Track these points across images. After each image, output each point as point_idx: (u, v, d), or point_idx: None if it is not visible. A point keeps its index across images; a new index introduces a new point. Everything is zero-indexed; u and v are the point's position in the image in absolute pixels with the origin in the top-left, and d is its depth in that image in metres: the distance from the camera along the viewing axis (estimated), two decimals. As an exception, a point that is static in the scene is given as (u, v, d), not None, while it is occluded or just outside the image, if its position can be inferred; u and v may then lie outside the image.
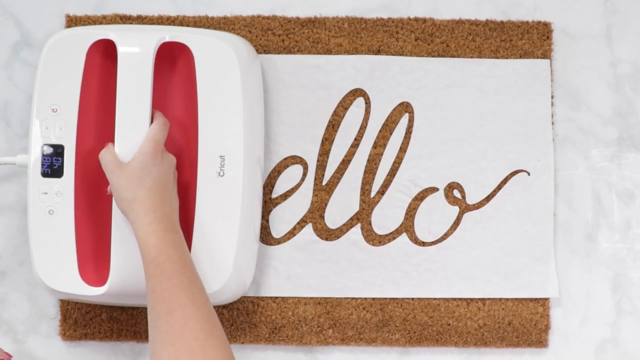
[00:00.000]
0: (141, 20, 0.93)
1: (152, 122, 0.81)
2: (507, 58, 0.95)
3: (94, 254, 0.85)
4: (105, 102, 0.86)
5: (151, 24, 0.93)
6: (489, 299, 0.93)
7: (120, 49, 0.82)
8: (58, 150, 0.84)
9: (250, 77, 0.87)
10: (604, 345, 0.95)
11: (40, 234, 0.84)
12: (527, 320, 0.93)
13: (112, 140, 0.81)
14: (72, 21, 0.93)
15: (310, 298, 0.93)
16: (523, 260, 0.94)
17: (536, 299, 0.94)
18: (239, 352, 0.93)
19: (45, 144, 0.84)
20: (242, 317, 0.92)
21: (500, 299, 0.93)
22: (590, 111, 0.96)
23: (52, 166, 0.84)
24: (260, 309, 0.92)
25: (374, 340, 0.93)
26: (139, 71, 0.82)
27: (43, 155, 0.84)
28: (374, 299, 0.93)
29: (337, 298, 0.93)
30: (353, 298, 0.93)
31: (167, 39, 0.84)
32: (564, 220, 0.95)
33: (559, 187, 0.96)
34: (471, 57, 0.95)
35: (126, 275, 0.82)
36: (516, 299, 0.93)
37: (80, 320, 0.92)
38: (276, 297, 0.93)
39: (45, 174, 0.84)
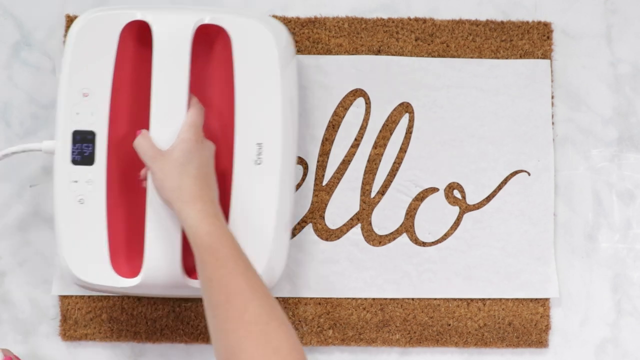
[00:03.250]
0: (141, 20, 0.93)
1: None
2: (507, 58, 0.95)
3: (125, 244, 0.83)
4: (139, 86, 0.82)
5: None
6: (489, 299, 0.93)
7: (156, 32, 0.79)
8: (89, 137, 0.80)
9: (288, 63, 0.84)
10: (604, 345, 0.95)
11: (70, 224, 0.81)
12: (527, 321, 0.93)
13: (146, 127, 0.78)
14: (72, 21, 0.93)
15: (310, 298, 0.93)
16: (523, 260, 0.94)
17: (536, 299, 0.94)
18: (239, 352, 0.93)
19: (75, 130, 0.81)
20: (242, 317, 0.92)
21: (500, 299, 0.93)
22: (590, 111, 0.96)
23: (82, 153, 0.80)
24: (260, 309, 0.92)
25: (374, 340, 0.92)
26: (176, 55, 0.78)
27: (73, 142, 0.80)
28: (374, 299, 0.93)
29: (337, 298, 0.93)
30: (353, 298, 0.93)
31: (206, 21, 0.81)
32: (564, 220, 0.95)
33: (559, 187, 0.95)
34: (471, 57, 0.95)
35: (160, 265, 0.79)
36: (516, 299, 0.93)
37: (80, 320, 0.91)
38: (276, 297, 0.92)
39: (75, 161, 0.81)
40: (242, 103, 0.82)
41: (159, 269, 0.80)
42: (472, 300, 0.93)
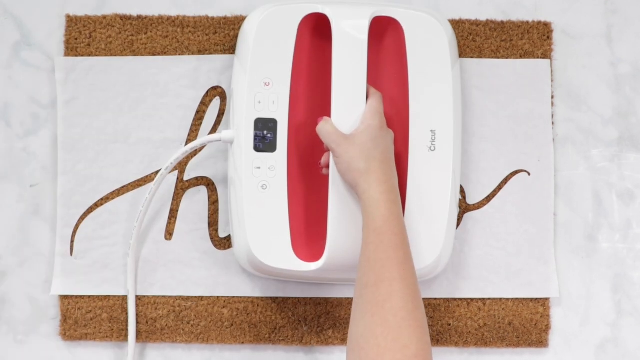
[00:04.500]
0: (142, 20, 0.93)
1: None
2: (507, 58, 0.95)
3: (306, 229, 0.86)
4: (316, 75, 0.87)
5: (151, 24, 0.93)
6: (489, 299, 0.93)
7: (335, 23, 0.82)
8: (270, 124, 0.84)
9: (456, 53, 0.88)
10: (605, 345, 0.95)
11: (253, 209, 0.84)
12: (527, 320, 0.93)
13: (324, 114, 0.81)
14: (72, 21, 0.93)
15: (310, 298, 0.93)
16: (523, 260, 0.94)
17: (536, 299, 0.94)
18: (239, 352, 0.93)
19: (257, 118, 0.84)
20: (242, 317, 0.92)
21: (500, 299, 0.93)
22: (591, 111, 0.96)
23: (263, 140, 0.84)
24: (260, 309, 0.92)
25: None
26: (354, 45, 0.81)
27: (256, 130, 0.84)
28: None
29: (337, 298, 0.93)
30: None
31: (381, 14, 0.84)
32: (564, 220, 0.95)
33: (559, 187, 0.95)
34: (471, 57, 0.95)
35: (343, 249, 0.81)
36: (516, 299, 0.93)
37: (80, 320, 0.91)
38: (276, 297, 0.92)
39: (257, 149, 0.84)
40: (416, 91, 0.86)
41: (341, 253, 0.82)
42: (472, 300, 0.93)
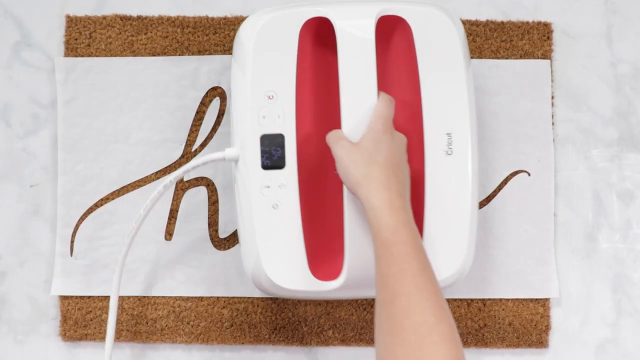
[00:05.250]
0: (142, 20, 0.93)
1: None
2: (507, 58, 0.95)
3: (322, 246, 0.81)
4: (322, 84, 0.81)
5: (151, 24, 0.93)
6: (489, 299, 0.93)
7: (338, 25, 0.77)
8: (277, 140, 0.79)
9: (467, 50, 0.83)
10: (605, 345, 0.95)
11: (266, 230, 0.79)
12: (527, 321, 0.93)
13: (333, 124, 0.77)
14: (72, 21, 0.93)
15: (311, 298, 0.93)
16: (523, 260, 0.94)
17: (536, 299, 0.94)
18: (239, 352, 0.93)
19: (264, 134, 0.79)
20: (242, 317, 0.92)
21: (500, 299, 0.93)
22: (591, 111, 0.96)
23: (271, 157, 0.79)
24: (260, 309, 0.92)
25: (374, 340, 0.92)
26: (361, 47, 0.76)
27: (262, 147, 0.79)
28: (374, 299, 0.93)
29: (337, 298, 0.93)
30: (353, 298, 0.92)
31: (386, 13, 0.79)
32: (564, 221, 0.95)
33: (559, 188, 0.95)
34: (471, 58, 0.94)
35: (362, 264, 0.77)
36: (516, 299, 0.93)
37: (80, 320, 0.91)
38: (276, 298, 0.92)
39: (265, 166, 0.79)
40: (429, 93, 0.81)
41: (361, 268, 0.77)
42: (472, 300, 0.93)
